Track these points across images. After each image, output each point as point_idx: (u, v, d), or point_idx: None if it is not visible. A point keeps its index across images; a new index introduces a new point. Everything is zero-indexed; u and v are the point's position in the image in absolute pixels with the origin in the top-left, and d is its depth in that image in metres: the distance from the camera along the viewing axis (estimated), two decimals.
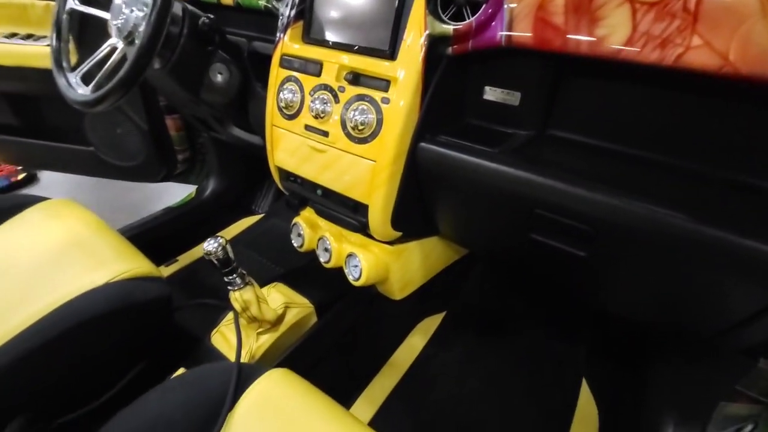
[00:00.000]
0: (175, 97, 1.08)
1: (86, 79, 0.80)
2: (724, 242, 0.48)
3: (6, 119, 1.45)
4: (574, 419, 0.92)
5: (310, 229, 0.92)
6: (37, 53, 1.23)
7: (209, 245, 0.66)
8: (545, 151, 0.67)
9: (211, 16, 0.80)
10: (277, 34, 0.78)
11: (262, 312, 0.74)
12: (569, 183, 0.57)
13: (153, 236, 1.35)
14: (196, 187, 1.60)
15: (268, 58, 0.82)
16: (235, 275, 0.71)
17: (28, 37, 1.28)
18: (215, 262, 0.67)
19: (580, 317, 1.13)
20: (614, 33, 0.51)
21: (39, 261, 0.80)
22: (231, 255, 0.68)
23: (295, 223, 0.94)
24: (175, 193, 1.77)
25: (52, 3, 1.02)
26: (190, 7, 0.83)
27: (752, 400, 0.70)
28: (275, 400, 0.56)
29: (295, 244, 0.95)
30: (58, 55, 0.80)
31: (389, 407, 0.94)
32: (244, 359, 0.75)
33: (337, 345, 0.93)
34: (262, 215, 1.55)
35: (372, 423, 0.91)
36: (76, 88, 0.78)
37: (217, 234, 1.46)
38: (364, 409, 0.93)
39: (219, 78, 0.87)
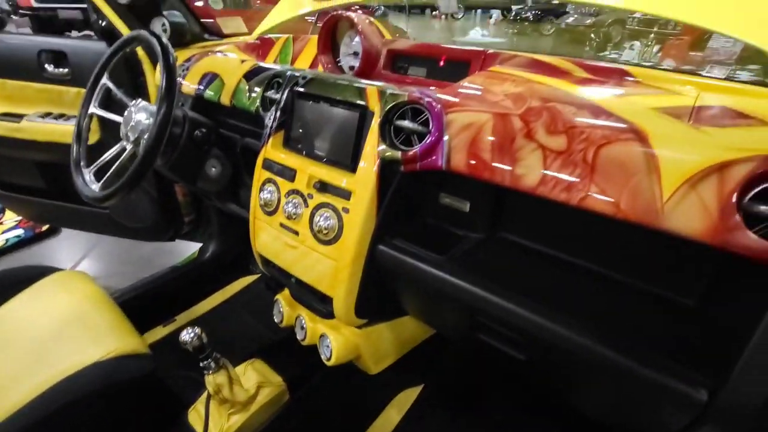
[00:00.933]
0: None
1: (98, 175, 0.93)
2: (630, 370, 0.53)
3: (36, 183, 1.61)
4: None
5: (288, 307, 0.99)
6: (66, 131, 1.39)
7: (185, 335, 0.74)
8: (490, 258, 0.73)
9: (204, 130, 0.92)
10: (262, 139, 0.90)
11: (233, 394, 0.81)
12: (500, 297, 0.63)
13: (156, 294, 1.45)
14: (200, 245, 1.71)
15: (257, 153, 0.93)
16: (209, 360, 0.78)
17: (61, 116, 1.46)
18: (190, 350, 0.74)
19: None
20: (530, 173, 0.59)
21: (43, 334, 0.89)
22: (205, 342, 0.76)
23: (276, 300, 1.02)
24: (183, 248, 1.90)
25: (83, 90, 1.18)
26: (190, 113, 0.96)
27: None
28: None
29: (275, 320, 1.02)
30: (77, 157, 0.93)
31: None
32: None
33: (309, 421, 0.97)
34: (259, 275, 1.64)
35: None
36: (90, 185, 0.90)
37: (216, 292, 1.55)
38: None
39: (213, 171, 0.99)
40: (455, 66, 0.93)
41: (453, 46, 0.95)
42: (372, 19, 1.05)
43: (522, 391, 1.18)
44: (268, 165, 0.87)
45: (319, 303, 0.85)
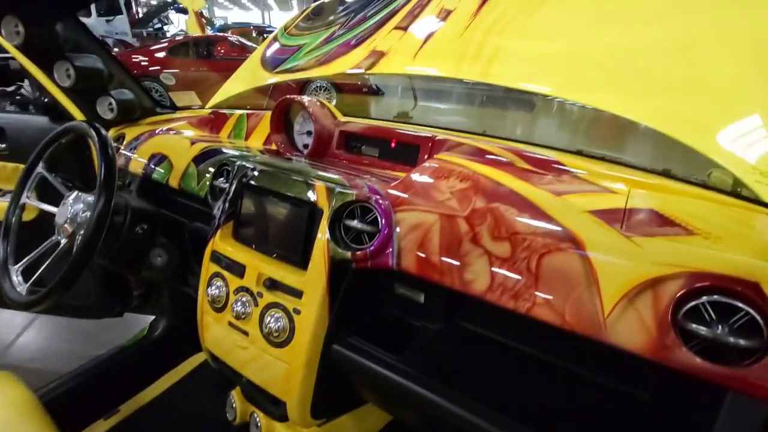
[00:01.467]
0: None
1: (27, 274, 0.85)
2: None
3: None
4: None
5: (242, 403, 0.92)
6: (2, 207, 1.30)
7: None
8: (447, 353, 0.72)
9: (145, 226, 0.88)
10: (211, 229, 0.86)
11: None
12: (455, 403, 0.61)
13: (98, 383, 1.32)
14: (152, 318, 1.60)
15: (206, 239, 0.89)
16: None
17: None
18: None
19: None
20: (478, 279, 0.59)
21: None
22: None
23: (229, 395, 0.95)
24: (132, 319, 1.76)
25: (21, 165, 1.11)
26: (133, 203, 0.92)
27: None
28: None
29: (228, 416, 0.95)
30: (3, 255, 0.86)
31: None
32: None
33: None
34: None
35: None
36: (17, 287, 0.83)
37: (169, 372, 1.43)
38: None
39: (159, 261, 0.93)
40: (406, 148, 0.95)
41: (403, 129, 0.97)
42: (323, 100, 1.06)
43: None
44: (217, 258, 0.84)
45: (272, 406, 0.79)
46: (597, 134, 1.02)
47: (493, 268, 0.58)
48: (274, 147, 1.09)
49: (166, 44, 6.72)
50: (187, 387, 1.37)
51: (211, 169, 0.92)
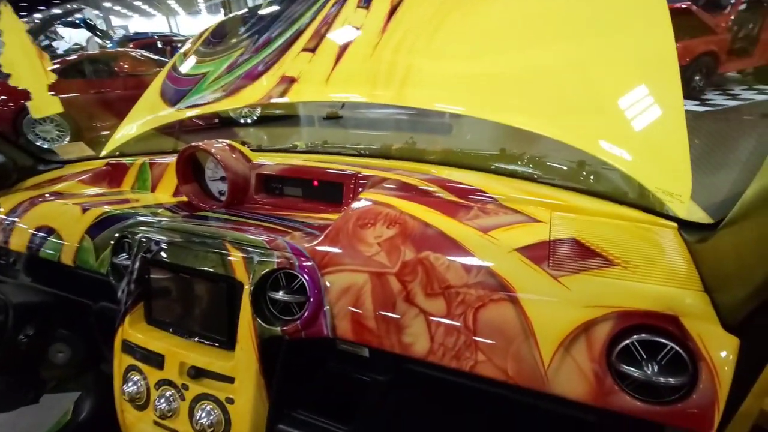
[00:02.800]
0: None
1: None
2: None
3: None
4: None
5: None
6: None
7: None
8: (397, 408, 0.69)
9: (30, 333, 0.75)
10: (117, 315, 0.75)
11: None
12: None
13: None
14: (77, 396, 1.41)
15: (115, 320, 0.78)
16: None
17: None
18: None
19: None
20: (417, 341, 0.56)
21: None
22: None
23: None
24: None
25: None
26: (14, 300, 0.78)
27: None
28: None
29: None
30: None
31: None
32: None
33: None
34: None
35: None
36: None
37: None
38: None
39: (60, 357, 0.80)
40: (329, 187, 0.90)
41: (324, 166, 0.91)
42: (232, 143, 0.97)
43: None
44: (129, 348, 0.73)
45: None
46: (514, 152, 1.04)
47: (431, 328, 0.55)
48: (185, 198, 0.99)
49: (57, 65, 5.98)
50: None
51: (111, 242, 0.80)
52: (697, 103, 4.57)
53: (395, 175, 0.83)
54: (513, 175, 0.83)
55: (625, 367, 0.47)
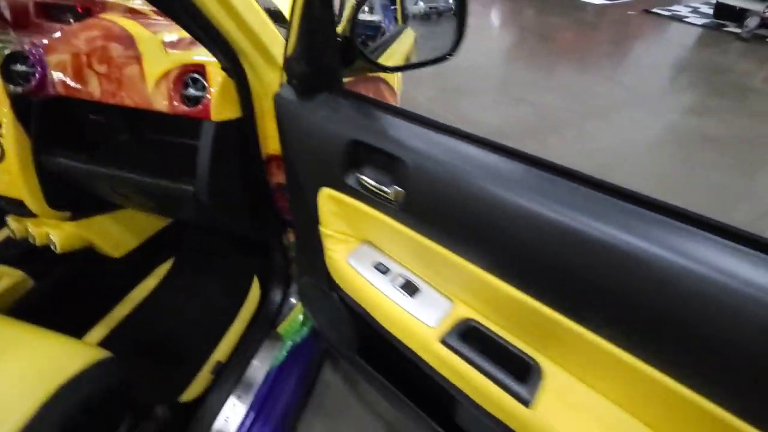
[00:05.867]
0: None
1: None
2: None
3: None
4: (246, 300, 1.47)
5: (16, 222, 1.29)
6: None
7: None
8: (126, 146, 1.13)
9: None
10: None
11: None
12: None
13: None
14: None
15: None
16: None
17: None
18: None
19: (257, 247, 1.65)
20: (95, 90, 0.97)
21: None
22: None
23: (6, 220, 1.30)
24: None
25: None
26: None
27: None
28: None
29: (11, 236, 1.32)
30: None
31: (120, 331, 1.39)
32: None
33: (56, 298, 1.34)
34: None
35: (101, 343, 1.35)
36: None
37: None
38: (98, 333, 1.37)
39: None
40: (86, 13, 1.22)
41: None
42: None
43: (241, 248, 1.66)
44: None
45: (17, 207, 1.17)
46: None
47: (101, 81, 0.96)
48: None
49: None
50: None
51: None
52: None
53: (122, 2, 1.17)
54: None
55: (184, 90, 0.91)
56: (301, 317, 1.32)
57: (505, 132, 2.90)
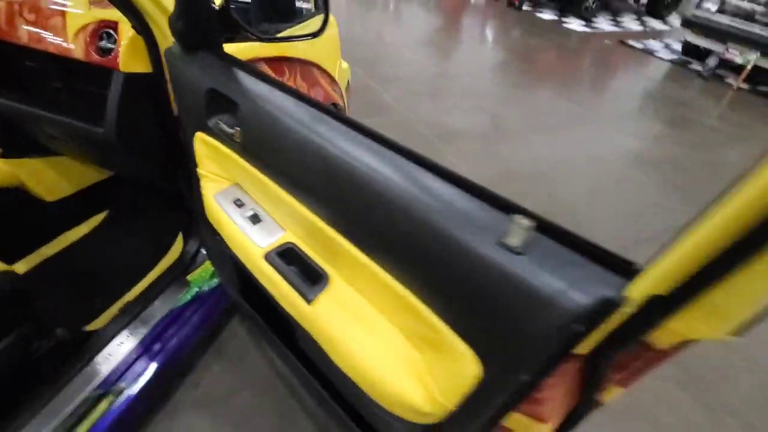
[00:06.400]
0: None
1: None
2: None
3: None
4: (169, 252, 1.60)
5: None
6: None
7: None
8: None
9: None
10: None
11: None
12: None
13: None
14: None
15: None
16: None
17: None
18: None
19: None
20: (24, 36, 1.10)
21: None
22: None
23: None
24: None
25: None
26: None
27: None
28: None
29: None
30: None
31: (45, 266, 1.50)
32: None
33: None
34: None
35: (26, 273, 1.47)
36: None
37: None
38: (24, 265, 1.48)
39: None
40: None
41: None
42: None
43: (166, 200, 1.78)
44: None
45: None
46: None
47: (28, 28, 1.10)
48: None
49: None
50: None
51: None
52: None
53: None
54: None
55: (99, 42, 1.04)
56: (213, 268, 1.45)
57: (458, 133, 3.08)
